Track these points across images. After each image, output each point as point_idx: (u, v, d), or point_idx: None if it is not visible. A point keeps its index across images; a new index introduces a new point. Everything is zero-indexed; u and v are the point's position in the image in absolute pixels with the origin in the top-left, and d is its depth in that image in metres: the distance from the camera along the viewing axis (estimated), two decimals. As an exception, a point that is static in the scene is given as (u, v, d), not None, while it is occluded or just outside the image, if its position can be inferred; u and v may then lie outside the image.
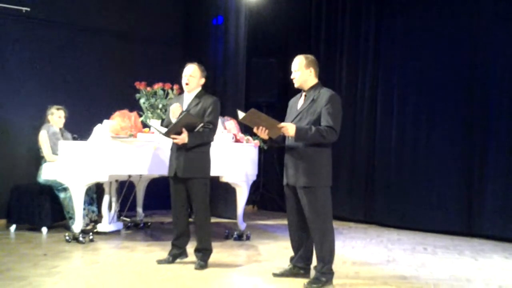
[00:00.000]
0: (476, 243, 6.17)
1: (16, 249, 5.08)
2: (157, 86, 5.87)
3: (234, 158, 5.83)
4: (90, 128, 5.50)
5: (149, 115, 5.79)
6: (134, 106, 5.82)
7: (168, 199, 4.69)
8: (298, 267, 4.34)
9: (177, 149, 4.52)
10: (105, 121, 5.42)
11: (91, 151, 5.24)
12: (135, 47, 7.76)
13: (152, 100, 5.83)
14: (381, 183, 7.32)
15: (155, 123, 5.53)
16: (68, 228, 5.81)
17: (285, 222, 4.47)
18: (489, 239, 6.34)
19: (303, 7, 8.40)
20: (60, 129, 6.19)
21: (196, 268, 4.47)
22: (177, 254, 4.67)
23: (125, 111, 5.42)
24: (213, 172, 4.85)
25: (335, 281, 4.12)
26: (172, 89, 5.87)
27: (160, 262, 4.63)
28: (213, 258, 4.68)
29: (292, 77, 4.25)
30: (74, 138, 6.10)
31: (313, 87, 4.21)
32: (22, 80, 6.61)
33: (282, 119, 4.27)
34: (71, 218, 5.74)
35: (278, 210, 8.17)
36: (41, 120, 6.19)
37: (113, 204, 6.16)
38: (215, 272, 4.43)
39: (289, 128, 4.02)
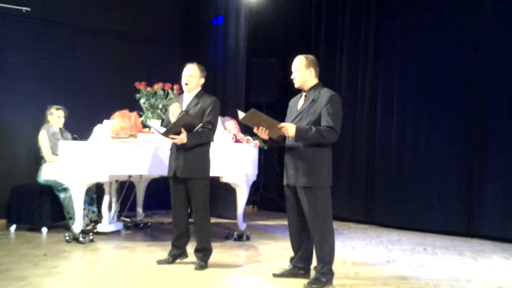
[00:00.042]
0: (476, 244, 6.17)
1: (16, 249, 5.08)
2: (157, 86, 5.87)
3: (234, 158, 5.83)
4: (90, 128, 5.51)
5: (149, 115, 5.79)
6: (134, 106, 5.82)
7: (168, 199, 4.69)
8: (298, 268, 4.34)
9: (177, 149, 4.52)
10: (105, 121, 5.42)
11: (91, 151, 5.24)
12: (135, 47, 7.76)
13: (152, 100, 5.83)
14: (381, 183, 7.32)
15: (155, 123, 5.52)
16: (68, 228, 5.81)
17: (285, 222, 4.47)
18: (489, 240, 6.33)
19: (303, 7, 8.40)
20: (60, 129, 6.19)
21: (196, 269, 4.47)
22: (177, 254, 4.67)
23: (125, 111, 5.43)
24: (213, 173, 4.85)
25: (335, 281, 4.12)
26: (172, 89, 5.88)
27: (160, 262, 4.63)
28: (213, 258, 4.68)
29: (292, 77, 4.25)
30: (74, 138, 6.10)
31: (313, 87, 4.21)
32: (22, 80, 6.61)
33: (282, 119, 4.27)
34: (71, 218, 5.74)
35: (278, 210, 8.16)
36: (41, 120, 6.18)
37: (113, 204, 6.16)
38: (215, 273, 4.43)
39: (289, 128, 4.03)
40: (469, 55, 6.68)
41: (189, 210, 4.83)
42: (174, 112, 4.48)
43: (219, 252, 5.10)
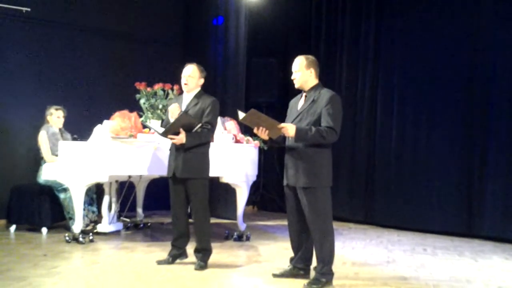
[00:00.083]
0: (476, 244, 6.17)
1: (16, 250, 5.08)
2: (157, 87, 5.87)
3: (234, 158, 5.83)
4: (90, 129, 5.51)
5: (149, 115, 5.79)
6: (134, 106, 5.82)
7: (168, 200, 4.69)
8: (298, 268, 4.34)
9: (176, 149, 4.52)
10: (105, 121, 5.42)
11: (91, 152, 5.24)
12: (135, 47, 7.76)
13: (152, 101, 5.83)
14: (381, 183, 7.32)
15: (155, 123, 5.52)
16: (68, 228, 5.81)
17: (285, 222, 4.47)
18: (489, 240, 6.33)
19: (303, 7, 8.40)
20: (60, 129, 6.19)
21: (196, 269, 4.47)
22: (177, 254, 4.67)
23: (125, 112, 5.43)
24: (213, 173, 4.85)
25: (335, 281, 4.12)
26: (172, 89, 5.87)
27: (160, 262, 4.63)
28: (213, 258, 4.68)
29: (292, 77, 4.25)
30: (74, 139, 6.09)
31: (313, 88, 4.21)
32: (22, 80, 6.61)
33: (282, 119, 4.27)
34: (71, 218, 5.74)
35: (278, 210, 8.16)
36: (41, 120, 6.18)
37: (113, 205, 6.16)
38: (215, 273, 4.43)
39: (289, 129, 4.03)
40: (469, 55, 6.68)
41: (188, 210, 4.82)
42: (174, 112, 4.49)
43: (219, 253, 5.10)
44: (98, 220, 6.12)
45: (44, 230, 5.89)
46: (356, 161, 7.59)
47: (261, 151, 6.53)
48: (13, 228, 5.98)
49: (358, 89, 7.63)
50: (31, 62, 6.71)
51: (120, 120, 5.30)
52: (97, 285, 3.99)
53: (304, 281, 4.10)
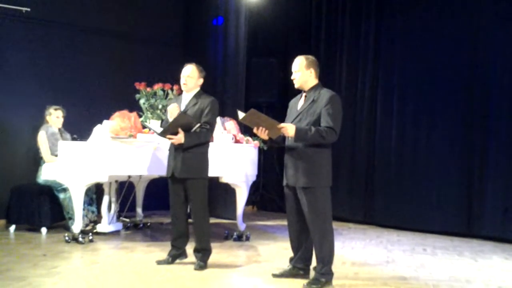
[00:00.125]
0: (476, 244, 6.17)
1: (16, 250, 5.07)
2: (157, 87, 5.87)
3: (233, 158, 5.82)
4: (90, 129, 5.51)
5: (149, 115, 5.79)
6: (134, 106, 5.82)
7: (167, 200, 4.69)
8: (298, 268, 4.34)
9: (175, 149, 4.52)
10: (105, 121, 5.42)
11: (90, 152, 5.24)
12: (135, 47, 7.76)
13: (152, 101, 5.83)
14: (381, 183, 7.32)
15: (154, 123, 5.52)
16: (67, 228, 5.81)
17: (285, 222, 4.47)
18: (488, 240, 6.33)
19: (303, 7, 8.40)
20: (59, 129, 6.19)
21: (195, 269, 4.47)
22: (176, 254, 4.67)
23: (125, 112, 5.43)
24: (213, 173, 4.85)
25: (334, 281, 4.12)
26: (172, 89, 5.87)
27: (159, 262, 4.62)
28: (213, 258, 4.68)
29: (292, 77, 4.25)
30: (73, 139, 6.10)
31: (313, 88, 4.21)
32: (22, 80, 6.60)
33: (282, 119, 4.27)
34: (71, 218, 5.74)
35: (277, 210, 8.16)
36: (40, 120, 6.19)
37: (113, 205, 6.16)
38: (214, 273, 4.43)
39: (288, 129, 4.03)
40: (469, 55, 6.68)
41: (188, 210, 4.82)
42: (173, 112, 4.48)
43: (219, 253, 5.09)
44: (97, 220, 6.12)
45: (44, 230, 5.89)
46: (356, 161, 7.59)
47: (260, 151, 6.53)
48: (12, 228, 5.98)
49: (358, 89, 7.63)
50: (31, 62, 6.70)
51: (119, 120, 5.30)
52: (97, 285, 3.99)
53: (304, 281, 4.10)
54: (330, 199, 4.15)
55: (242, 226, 6.00)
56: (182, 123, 4.39)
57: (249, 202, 7.66)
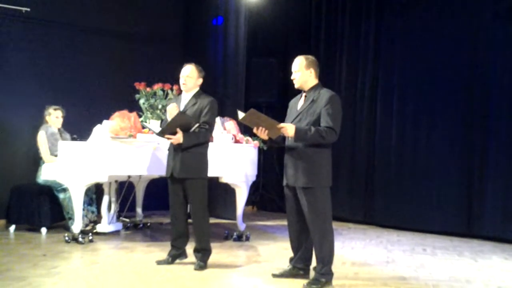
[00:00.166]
0: (476, 244, 6.17)
1: (16, 250, 5.07)
2: (157, 87, 5.87)
3: (233, 158, 5.82)
4: (90, 128, 5.51)
5: (149, 115, 5.79)
6: (133, 106, 5.82)
7: (167, 200, 4.69)
8: (298, 268, 4.34)
9: (174, 149, 4.52)
10: (104, 121, 5.42)
11: (90, 152, 5.24)
12: (135, 47, 7.76)
13: (152, 101, 5.83)
14: (381, 183, 7.31)
15: (154, 123, 5.52)
16: (67, 228, 5.81)
17: (285, 222, 4.47)
18: (488, 240, 6.33)
19: (303, 7, 8.40)
20: (59, 129, 6.19)
21: (195, 269, 4.47)
22: (176, 254, 4.67)
23: (125, 112, 5.43)
24: (212, 173, 4.85)
25: (334, 282, 4.11)
26: (171, 89, 5.87)
27: (159, 262, 4.62)
28: (213, 258, 4.68)
29: (292, 77, 4.25)
30: (73, 139, 6.10)
31: (313, 88, 4.21)
32: (22, 80, 6.61)
33: (282, 119, 4.27)
34: (71, 218, 5.74)
35: (277, 210, 8.16)
36: (40, 120, 6.19)
37: (113, 205, 6.16)
38: (214, 273, 4.43)
39: (288, 129, 4.03)
40: (469, 55, 6.67)
41: (188, 210, 4.82)
42: (172, 112, 4.48)
43: (219, 253, 5.09)
44: (97, 220, 6.12)
45: (44, 230, 5.89)
46: (356, 161, 7.58)
47: (260, 151, 6.52)
48: (12, 228, 5.98)
49: (358, 89, 7.63)
50: (31, 62, 6.71)
51: (119, 120, 5.30)
52: (97, 285, 3.99)
53: (304, 281, 4.10)
54: (330, 199, 4.14)
55: (242, 226, 6.00)
56: (181, 123, 4.39)
57: (249, 202, 7.66)
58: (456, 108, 6.74)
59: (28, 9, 6.54)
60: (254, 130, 4.12)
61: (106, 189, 6.05)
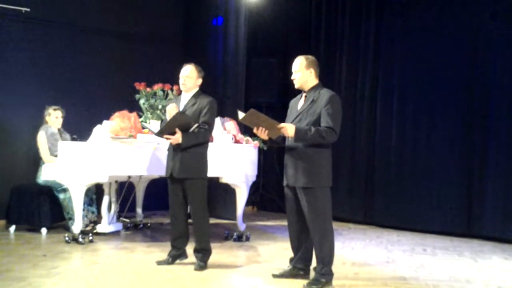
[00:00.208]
0: (476, 244, 6.17)
1: (16, 250, 5.07)
2: (157, 87, 5.87)
3: (233, 159, 5.82)
4: (90, 129, 5.51)
5: (149, 115, 5.79)
6: (133, 106, 5.82)
7: (167, 200, 4.69)
8: (298, 268, 4.34)
9: (174, 149, 4.52)
10: (104, 121, 5.42)
11: (90, 152, 5.24)
12: (135, 47, 7.76)
13: (152, 101, 5.83)
14: (381, 183, 7.32)
15: (154, 124, 5.52)
16: (67, 228, 5.81)
17: (285, 223, 4.47)
18: (488, 240, 6.33)
19: (303, 7, 8.40)
20: (59, 129, 6.19)
21: (195, 269, 4.47)
22: (176, 255, 4.67)
23: (125, 112, 5.42)
24: (212, 173, 4.85)
25: (334, 282, 4.12)
26: (171, 89, 5.87)
27: (159, 263, 4.62)
28: (213, 259, 4.68)
29: (292, 78, 4.25)
30: (73, 139, 6.09)
31: (313, 88, 4.21)
32: (22, 80, 6.60)
33: (282, 119, 4.27)
34: (71, 218, 5.74)
35: (277, 211, 8.16)
36: (40, 120, 6.19)
37: (113, 205, 6.16)
38: (214, 273, 4.43)
39: (288, 129, 4.03)
40: (469, 55, 6.67)
41: (188, 211, 4.82)
42: (171, 112, 4.49)
43: (219, 253, 5.09)
44: (97, 220, 6.11)
45: (44, 230, 5.89)
46: (356, 161, 7.59)
47: (260, 151, 6.52)
48: (12, 228, 5.98)
49: (358, 89, 7.63)
50: (31, 62, 6.70)
51: (119, 120, 5.30)
52: (97, 285, 3.99)
53: (304, 282, 4.10)
54: (330, 199, 4.14)
55: (242, 226, 6.00)
56: (180, 123, 4.39)
57: (249, 202, 7.65)
58: (456, 108, 6.74)
59: (28, 9, 6.53)
60: (254, 130, 4.12)
61: (106, 189, 6.05)
